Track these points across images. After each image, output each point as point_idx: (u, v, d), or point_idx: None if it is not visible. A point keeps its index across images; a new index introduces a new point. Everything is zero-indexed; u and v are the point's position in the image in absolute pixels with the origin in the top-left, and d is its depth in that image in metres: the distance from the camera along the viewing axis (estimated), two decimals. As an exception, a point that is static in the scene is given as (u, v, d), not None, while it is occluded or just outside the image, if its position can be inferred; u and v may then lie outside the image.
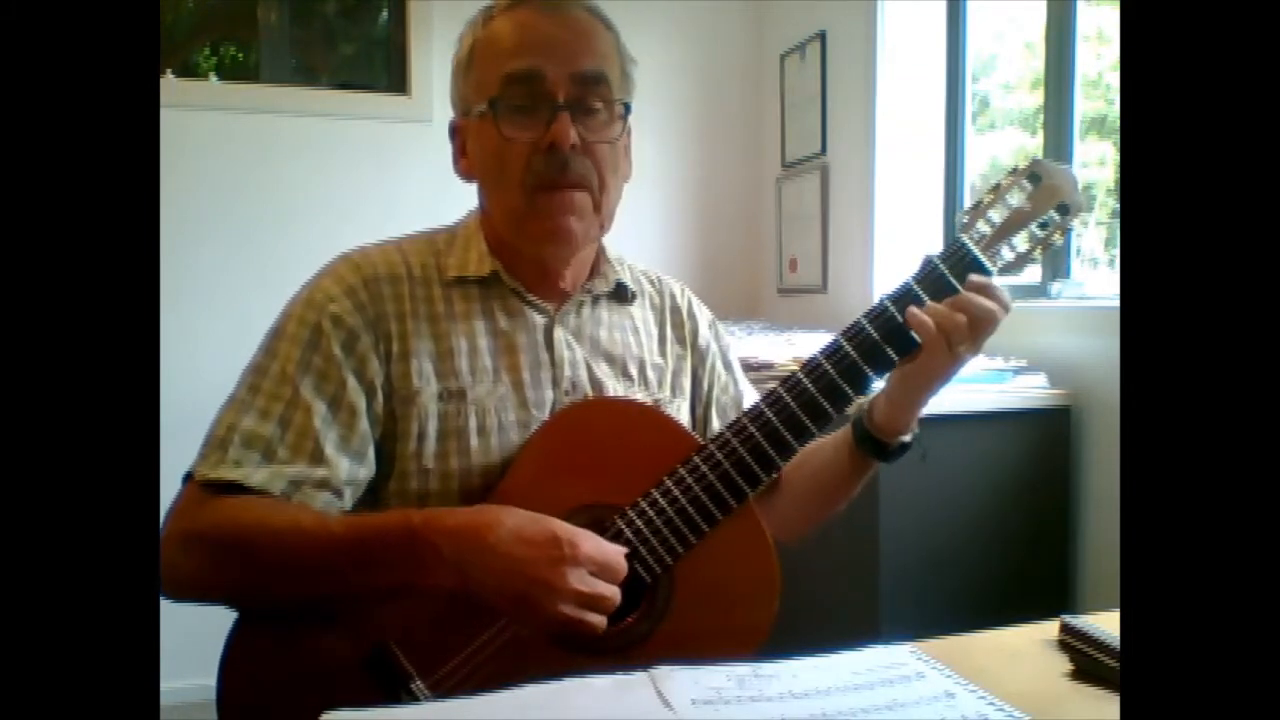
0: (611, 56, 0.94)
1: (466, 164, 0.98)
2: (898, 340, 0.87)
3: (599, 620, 0.79)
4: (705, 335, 1.11)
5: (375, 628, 0.81)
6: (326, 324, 0.89)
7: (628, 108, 0.95)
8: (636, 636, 0.87)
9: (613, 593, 0.80)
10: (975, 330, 0.85)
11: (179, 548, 0.82)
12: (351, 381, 0.89)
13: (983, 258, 0.90)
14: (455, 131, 0.99)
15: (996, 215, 0.91)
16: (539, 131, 0.89)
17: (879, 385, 0.94)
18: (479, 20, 0.95)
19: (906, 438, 0.96)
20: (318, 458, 0.86)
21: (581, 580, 0.78)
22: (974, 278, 0.88)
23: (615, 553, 0.81)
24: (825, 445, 1.04)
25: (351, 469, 0.88)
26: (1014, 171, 0.94)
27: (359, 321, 0.90)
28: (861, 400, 0.92)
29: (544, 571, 0.77)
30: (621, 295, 1.04)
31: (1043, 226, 0.92)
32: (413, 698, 0.78)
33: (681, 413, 1.05)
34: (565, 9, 0.92)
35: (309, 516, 0.83)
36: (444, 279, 0.95)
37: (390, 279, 0.93)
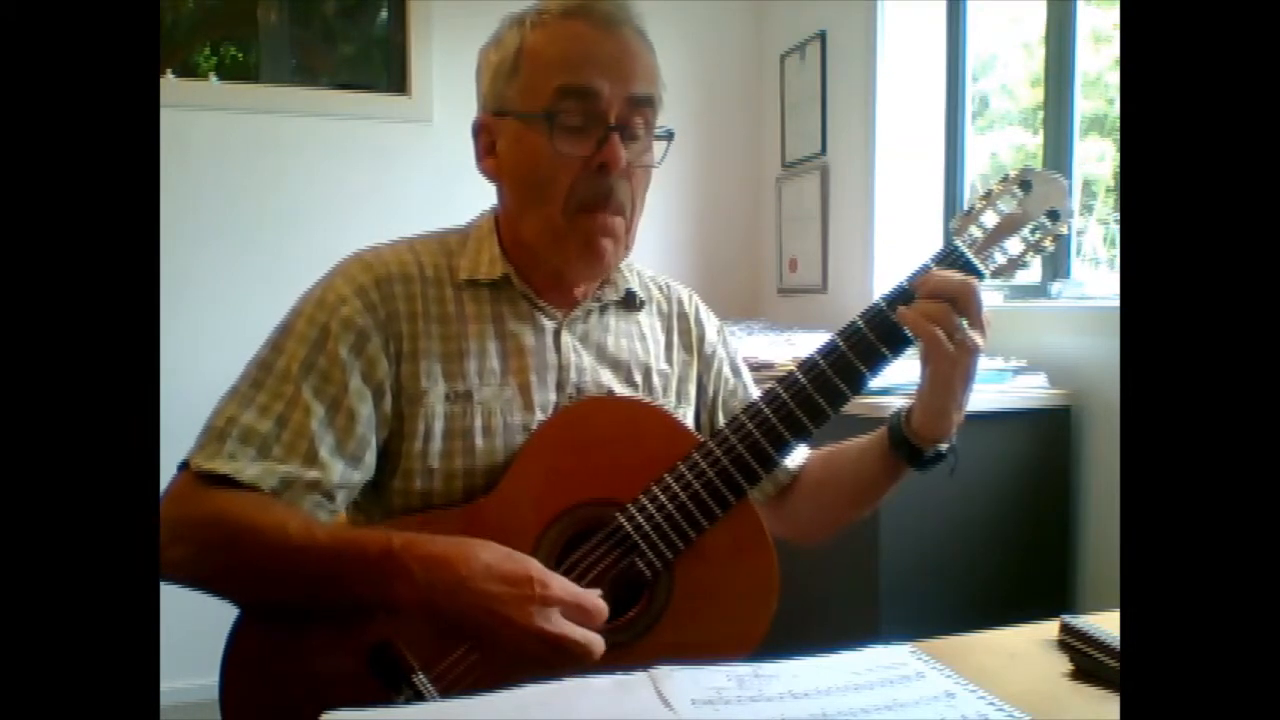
0: (656, 81, 0.94)
1: (494, 164, 0.96)
2: (891, 338, 0.89)
3: (567, 666, 0.77)
4: (712, 341, 1.11)
5: (379, 621, 0.81)
6: (335, 326, 0.89)
7: (671, 134, 0.95)
8: (637, 632, 0.88)
9: (583, 635, 0.78)
10: (962, 309, 0.85)
11: (167, 534, 0.81)
12: (355, 384, 0.88)
13: (975, 260, 0.91)
14: (481, 129, 0.97)
15: (988, 220, 0.94)
16: (589, 149, 0.89)
17: (876, 383, 0.94)
18: (526, 22, 0.92)
19: (942, 446, 0.95)
20: (311, 459, 0.86)
21: (548, 620, 0.77)
22: (930, 270, 0.89)
23: (589, 596, 0.80)
24: (852, 449, 1.04)
25: (345, 473, 0.88)
26: (1005, 179, 0.96)
27: (369, 322, 0.90)
28: (857, 398, 0.93)
29: (511, 609, 0.76)
30: (630, 302, 1.04)
31: (1034, 231, 0.94)
32: (415, 690, 0.78)
33: (687, 419, 1.05)
34: (619, 28, 0.91)
35: (296, 521, 0.82)
36: (455, 281, 0.95)
37: (403, 279, 0.93)
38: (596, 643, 0.78)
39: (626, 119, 0.91)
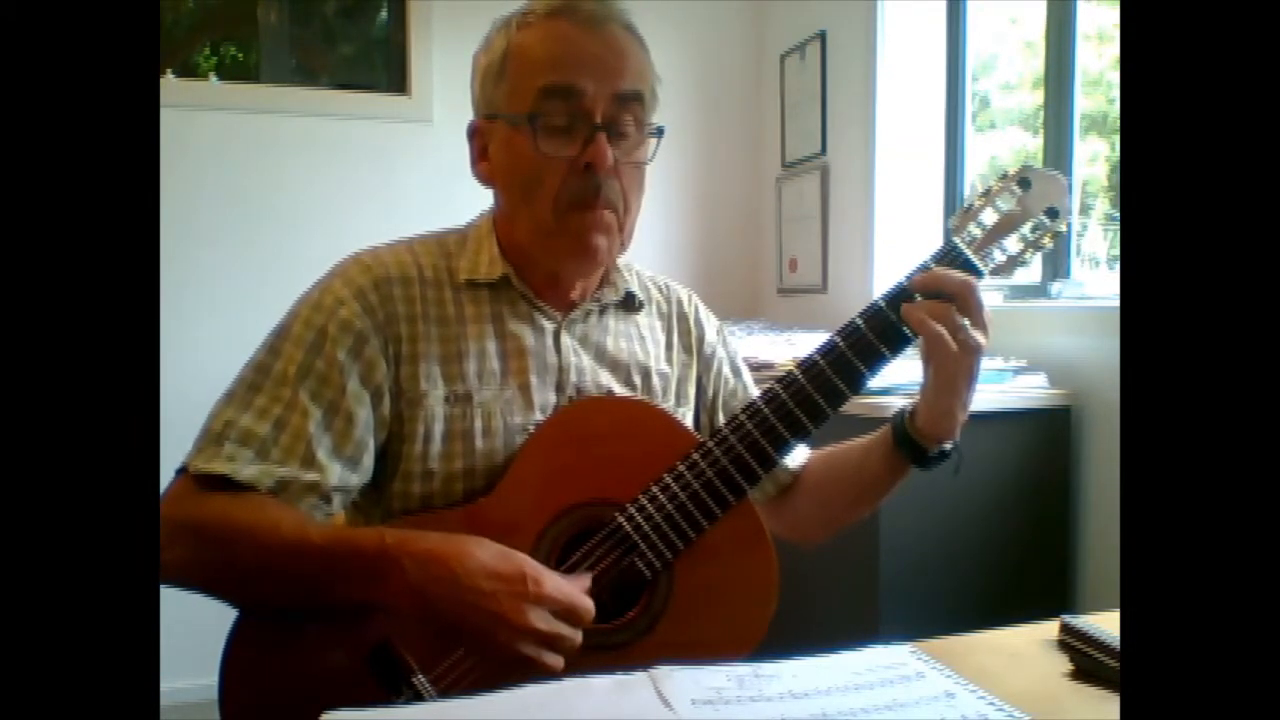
0: (646, 76, 0.94)
1: (488, 168, 0.97)
2: (890, 338, 0.89)
3: (555, 661, 0.78)
4: (712, 341, 1.11)
5: (377, 622, 0.81)
6: (333, 328, 0.89)
7: (661, 131, 0.95)
8: (636, 632, 0.88)
9: (572, 634, 0.79)
10: (964, 307, 0.86)
11: (165, 536, 0.81)
12: (353, 387, 0.88)
13: (974, 259, 0.91)
14: (475, 133, 0.97)
15: (987, 218, 0.94)
16: (575, 150, 0.89)
17: (876, 383, 0.94)
18: (512, 24, 0.93)
19: (947, 445, 0.95)
20: (309, 462, 0.86)
21: (542, 619, 0.77)
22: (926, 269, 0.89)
23: (581, 596, 0.80)
24: (854, 448, 1.04)
25: (343, 475, 0.88)
26: (1004, 176, 0.96)
27: (368, 325, 0.90)
28: (856, 398, 0.93)
29: (506, 606, 0.77)
30: (629, 304, 1.04)
31: (1033, 229, 0.94)
32: (415, 691, 0.78)
33: (686, 420, 1.05)
34: (606, 25, 0.90)
35: (290, 521, 0.82)
36: (454, 282, 0.95)
37: (402, 280, 0.93)
38: (576, 637, 0.79)
39: (614, 117, 0.90)
